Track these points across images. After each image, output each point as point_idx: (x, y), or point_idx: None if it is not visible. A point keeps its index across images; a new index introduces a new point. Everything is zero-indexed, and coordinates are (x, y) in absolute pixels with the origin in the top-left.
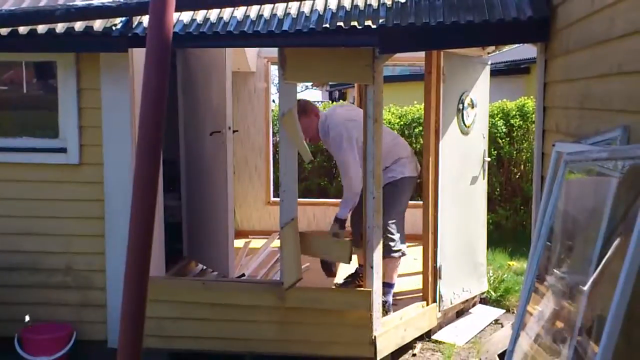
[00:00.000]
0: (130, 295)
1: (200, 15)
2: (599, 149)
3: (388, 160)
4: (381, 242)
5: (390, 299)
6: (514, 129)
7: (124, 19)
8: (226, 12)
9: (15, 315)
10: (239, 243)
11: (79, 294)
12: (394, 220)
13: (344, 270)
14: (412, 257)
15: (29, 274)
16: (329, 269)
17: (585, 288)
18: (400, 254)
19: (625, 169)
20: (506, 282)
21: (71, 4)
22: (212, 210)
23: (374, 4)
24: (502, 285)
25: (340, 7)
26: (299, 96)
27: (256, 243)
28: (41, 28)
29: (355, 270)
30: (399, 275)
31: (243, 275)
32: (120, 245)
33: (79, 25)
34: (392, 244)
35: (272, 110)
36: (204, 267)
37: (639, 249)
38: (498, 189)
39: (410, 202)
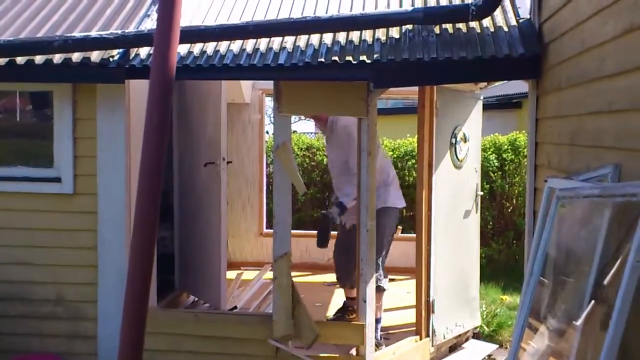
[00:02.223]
0: (130, 325)
1: (197, 47)
2: (591, 185)
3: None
4: (374, 276)
5: (379, 334)
6: (506, 163)
7: (121, 50)
8: (223, 45)
9: (6, 346)
10: (231, 274)
11: (70, 325)
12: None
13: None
14: (405, 291)
15: (20, 304)
16: (323, 242)
17: (579, 323)
18: (381, 289)
19: (616, 206)
20: (499, 316)
21: (69, 35)
22: (205, 242)
23: (369, 39)
24: (495, 319)
25: (335, 41)
26: (293, 127)
27: (249, 275)
28: (39, 58)
29: (344, 305)
30: (393, 309)
31: (235, 307)
32: (113, 276)
33: (76, 56)
34: None
35: (266, 141)
36: (196, 299)
37: (631, 285)
38: (491, 223)
39: (403, 235)
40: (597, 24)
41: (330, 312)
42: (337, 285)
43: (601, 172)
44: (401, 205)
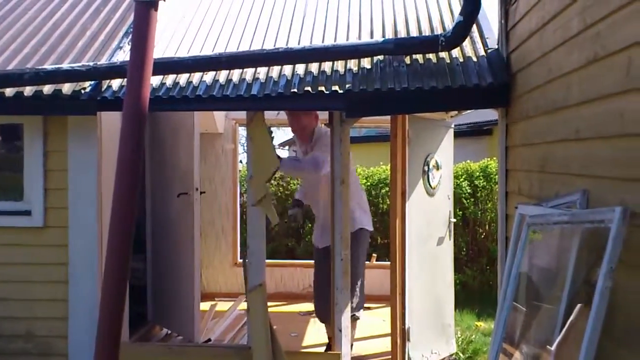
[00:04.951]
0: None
1: (169, 79)
2: (560, 212)
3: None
4: (349, 305)
5: None
6: (479, 189)
7: (93, 82)
8: (195, 77)
9: None
10: (204, 305)
11: None
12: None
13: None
14: (380, 319)
15: None
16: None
17: (553, 348)
18: (355, 318)
19: (585, 232)
20: (474, 343)
21: (40, 67)
22: (178, 273)
23: (341, 69)
24: (471, 346)
25: (307, 72)
26: None
27: (223, 306)
28: (9, 91)
29: (328, 345)
30: (368, 338)
31: (209, 340)
32: (84, 310)
33: (47, 89)
34: None
35: (240, 170)
36: (169, 332)
37: (601, 310)
38: (464, 249)
39: (377, 262)
40: (563, 54)
41: (306, 342)
42: (313, 315)
43: (570, 199)
44: (371, 229)
